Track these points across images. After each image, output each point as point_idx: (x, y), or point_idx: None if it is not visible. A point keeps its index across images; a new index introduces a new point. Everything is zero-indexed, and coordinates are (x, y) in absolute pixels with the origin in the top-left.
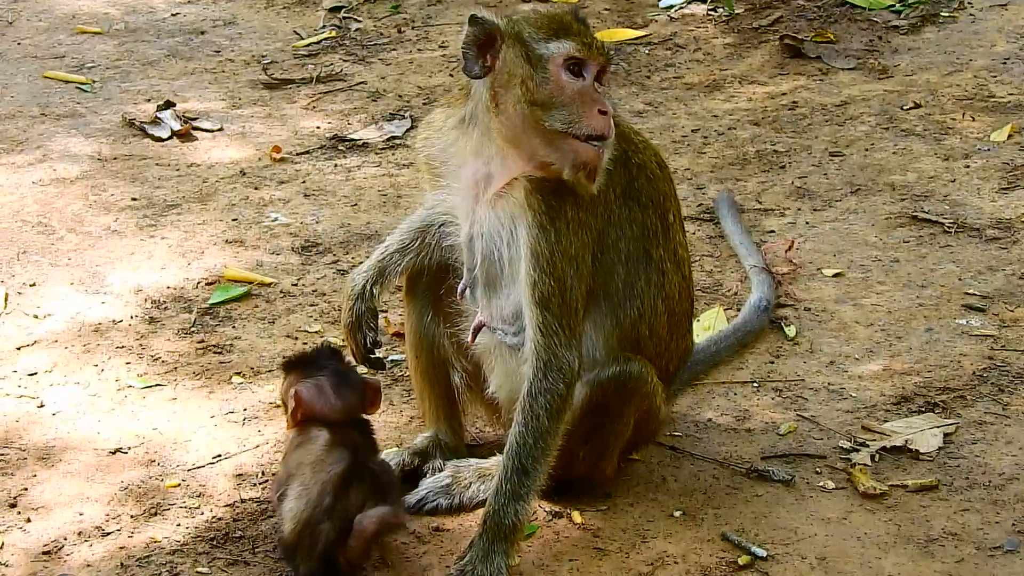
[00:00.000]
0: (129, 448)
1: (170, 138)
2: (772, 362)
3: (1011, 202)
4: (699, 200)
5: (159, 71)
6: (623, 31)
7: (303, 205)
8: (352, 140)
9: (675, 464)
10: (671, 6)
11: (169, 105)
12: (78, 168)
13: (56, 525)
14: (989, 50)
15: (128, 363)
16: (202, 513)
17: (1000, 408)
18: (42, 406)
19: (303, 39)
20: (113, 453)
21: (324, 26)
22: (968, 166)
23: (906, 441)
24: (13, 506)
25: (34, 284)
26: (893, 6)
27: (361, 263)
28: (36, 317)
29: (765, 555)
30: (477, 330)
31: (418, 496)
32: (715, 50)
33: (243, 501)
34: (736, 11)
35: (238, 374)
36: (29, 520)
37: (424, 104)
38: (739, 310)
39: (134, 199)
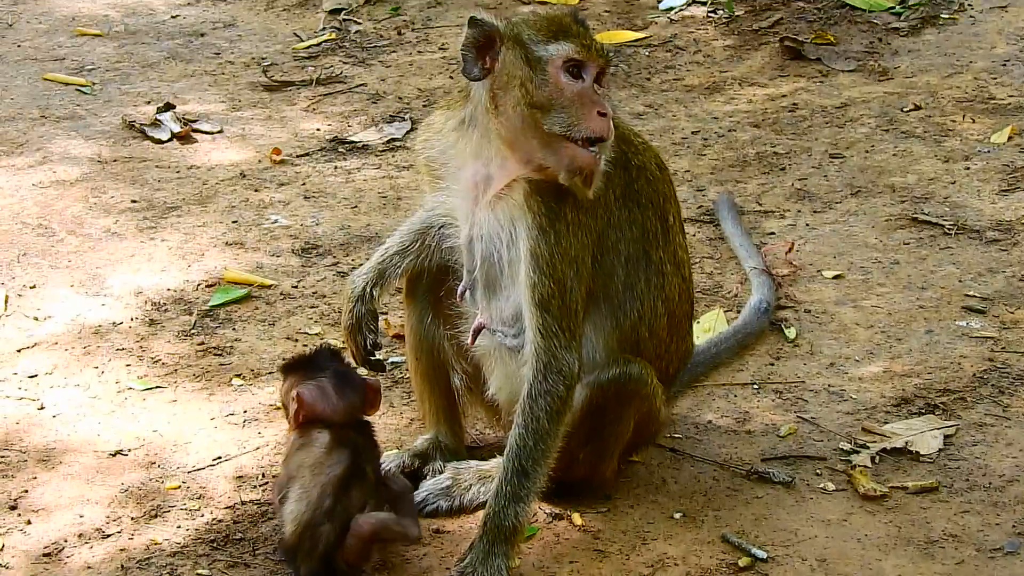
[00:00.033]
0: (129, 450)
1: (170, 140)
2: (772, 364)
3: (1011, 204)
4: (699, 202)
5: (159, 73)
6: (623, 33)
7: (303, 207)
8: (352, 142)
9: (675, 466)
10: (671, 8)
11: (169, 107)
12: (78, 170)
13: (56, 527)
14: (989, 52)
15: (128, 365)
16: (202, 515)
17: (1000, 410)
18: (42, 408)
19: (303, 41)
20: (113, 455)
21: (324, 28)
22: (968, 168)
23: (906, 443)
24: (13, 508)
25: (34, 286)
26: (893, 8)
27: (361, 265)
28: (36, 319)
29: (765, 557)
30: (477, 332)
31: (418, 498)
32: (715, 52)
33: (243, 503)
34: (736, 13)
35: (238, 376)
36: (29, 522)
37: (424, 106)
38: (739, 312)
39: (134, 201)
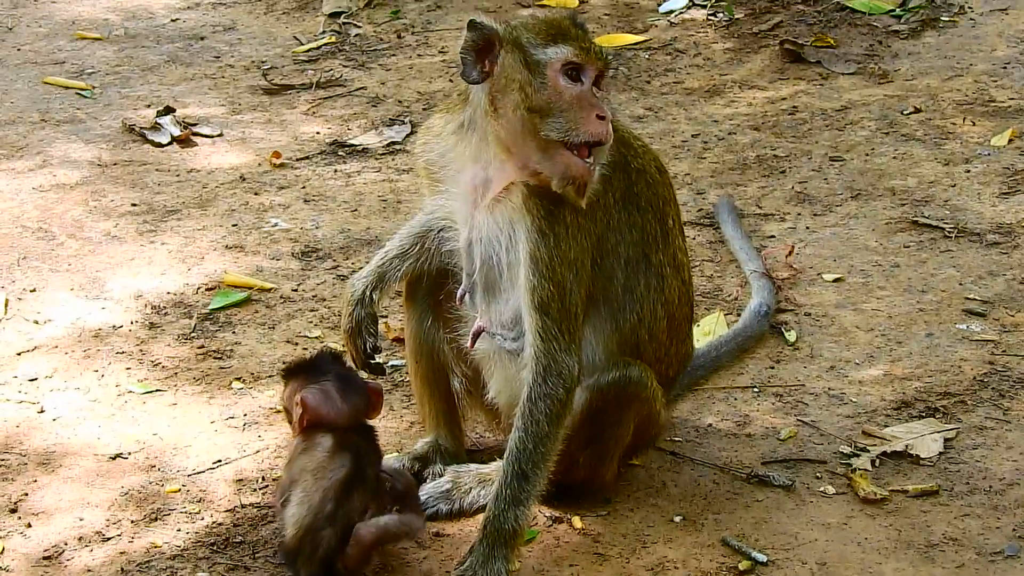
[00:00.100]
0: (129, 453)
1: (170, 144)
2: (772, 367)
3: (1012, 207)
4: (699, 205)
5: (159, 77)
6: (623, 36)
7: (303, 210)
8: (352, 145)
9: (675, 469)
10: (671, 11)
11: (169, 111)
12: (78, 174)
13: (57, 530)
14: (989, 54)
15: (128, 368)
16: (202, 518)
17: (1001, 413)
18: (42, 411)
19: (303, 44)
20: (113, 458)
21: (324, 31)
22: (969, 171)
23: (907, 446)
24: (14, 511)
25: (34, 290)
26: (893, 11)
27: (361, 268)
28: (36, 323)
29: (765, 560)
30: (476, 335)
31: None
32: (715, 55)
33: (243, 506)
34: (736, 16)
35: (238, 379)
36: (30, 525)
37: (424, 109)
38: (739, 315)
39: (134, 205)
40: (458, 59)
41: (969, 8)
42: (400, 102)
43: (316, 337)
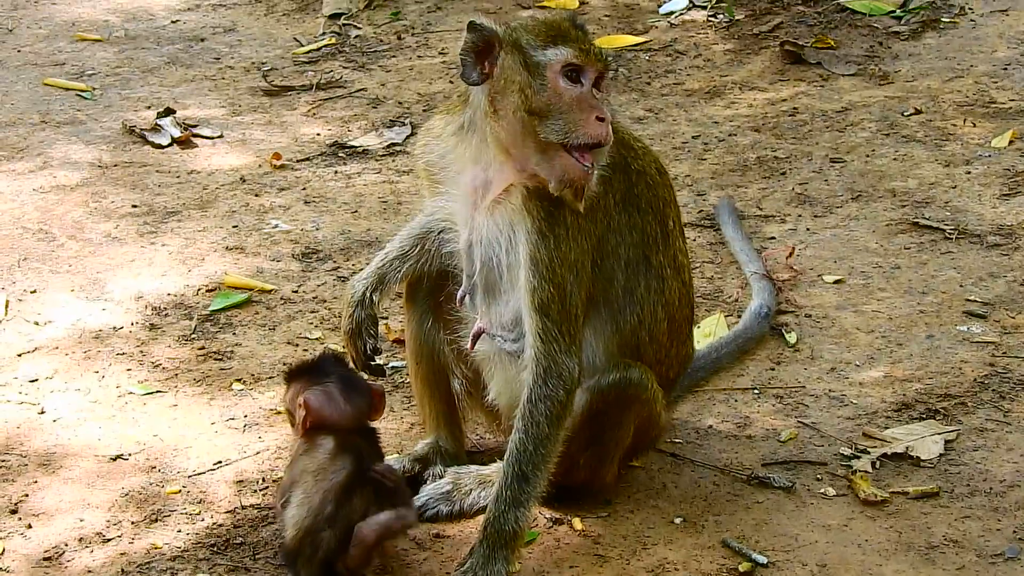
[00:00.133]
0: (130, 454)
1: (170, 145)
2: (773, 369)
3: (1012, 208)
4: (700, 206)
5: (159, 78)
6: (623, 37)
7: (303, 212)
8: (352, 147)
9: (676, 471)
10: (671, 12)
11: (169, 112)
12: (78, 175)
13: (57, 531)
14: (990, 56)
15: (129, 370)
16: (203, 519)
17: (1001, 415)
18: (43, 412)
19: (303, 46)
20: (114, 459)
21: (324, 33)
22: (969, 172)
23: (907, 448)
24: (14, 512)
25: (35, 291)
26: (894, 12)
27: (361, 270)
28: (37, 324)
29: (766, 562)
30: (477, 337)
31: (419, 502)
32: (715, 56)
33: (244, 507)
34: (736, 17)
35: (239, 381)
36: (30, 526)
37: (424, 111)
38: (740, 317)
39: (134, 206)
40: (458, 61)
41: (970, 9)
42: (400, 103)
43: (316, 338)
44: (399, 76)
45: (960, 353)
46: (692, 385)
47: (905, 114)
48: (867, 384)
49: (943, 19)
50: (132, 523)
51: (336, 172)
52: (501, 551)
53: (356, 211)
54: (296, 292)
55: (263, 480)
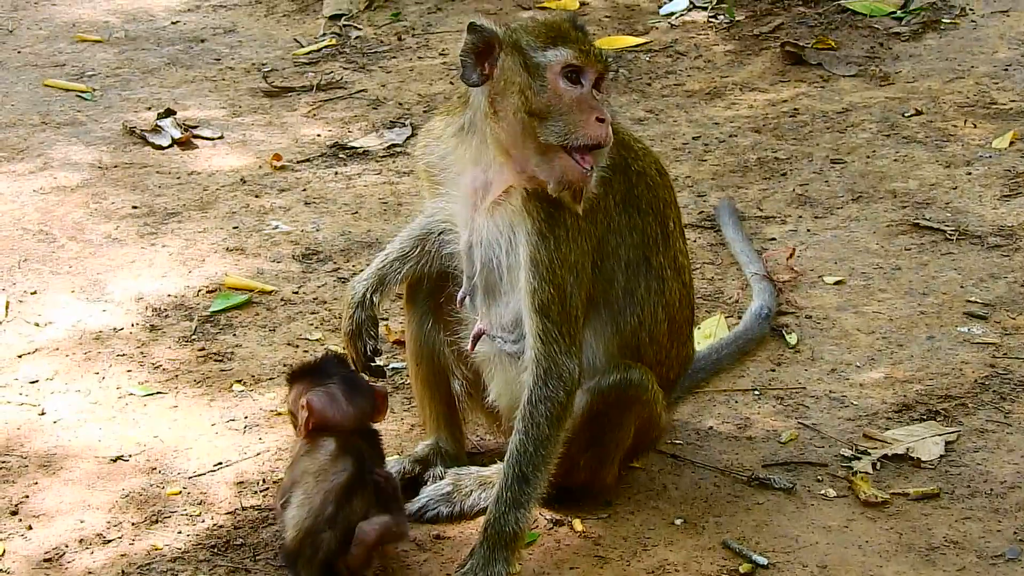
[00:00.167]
0: (130, 456)
1: (171, 146)
2: (773, 370)
3: (1013, 209)
4: (700, 207)
5: (159, 79)
6: (623, 38)
7: (304, 213)
8: (352, 148)
9: (676, 472)
10: (672, 13)
11: (169, 113)
12: (79, 176)
13: (57, 532)
14: (991, 57)
15: (129, 371)
16: (203, 521)
17: (1002, 416)
18: (43, 414)
19: (303, 47)
20: (114, 461)
21: (324, 34)
22: (970, 173)
23: (907, 449)
24: (15, 513)
25: (35, 292)
26: (894, 13)
27: (361, 271)
28: (37, 325)
29: (766, 563)
30: (477, 338)
31: (419, 504)
32: (716, 57)
33: (244, 509)
34: (737, 18)
35: (239, 382)
36: (31, 527)
37: (424, 112)
38: (740, 318)
39: (135, 207)
40: (458, 62)
41: (970, 10)
42: (400, 104)
43: (317, 339)
44: (399, 77)
45: (961, 354)
46: (692, 386)
47: (906, 115)
48: (868, 385)
49: (944, 20)
50: (132, 524)
51: (336, 173)
52: (501, 552)
53: (356, 212)
54: (296, 293)
55: (263, 481)
